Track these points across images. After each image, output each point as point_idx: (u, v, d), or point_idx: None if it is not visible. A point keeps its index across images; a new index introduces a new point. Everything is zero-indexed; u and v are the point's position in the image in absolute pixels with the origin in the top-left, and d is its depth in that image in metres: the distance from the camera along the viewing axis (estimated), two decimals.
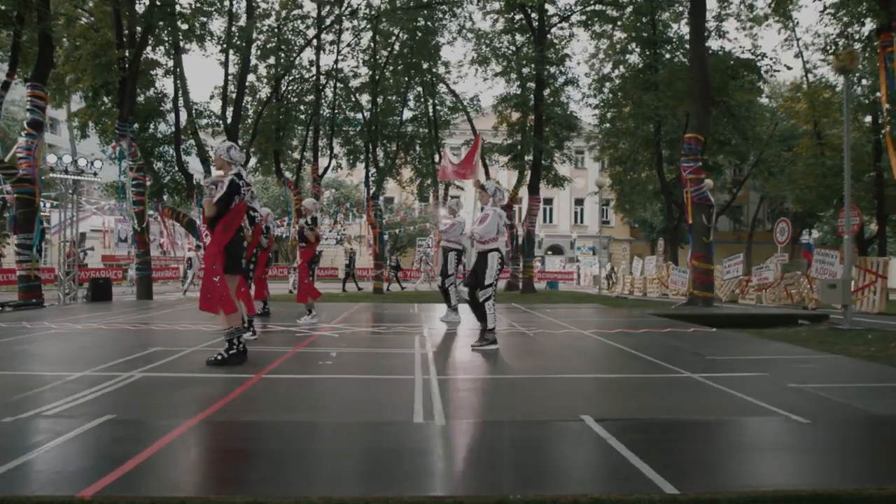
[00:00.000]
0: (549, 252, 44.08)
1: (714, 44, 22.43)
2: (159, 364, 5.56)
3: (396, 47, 22.18)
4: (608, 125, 26.49)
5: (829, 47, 17.48)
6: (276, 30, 20.56)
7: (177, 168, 18.80)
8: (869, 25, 12.84)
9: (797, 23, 17.48)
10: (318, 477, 2.83)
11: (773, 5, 17.87)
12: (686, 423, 3.77)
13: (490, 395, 4.55)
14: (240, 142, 19.77)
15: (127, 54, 15.80)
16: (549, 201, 43.88)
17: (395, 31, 21.75)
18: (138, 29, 16.21)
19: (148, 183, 18.11)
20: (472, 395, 4.54)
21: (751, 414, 3.99)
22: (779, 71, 21.37)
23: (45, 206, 17.22)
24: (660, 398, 4.48)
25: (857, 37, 14.55)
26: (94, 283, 13.72)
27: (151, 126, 18.91)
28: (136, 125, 17.16)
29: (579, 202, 44.64)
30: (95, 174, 13.80)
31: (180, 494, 2.51)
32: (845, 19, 15.99)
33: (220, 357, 5.50)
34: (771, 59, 19.69)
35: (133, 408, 4.00)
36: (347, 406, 4.16)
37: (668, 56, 23.74)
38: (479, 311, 6.57)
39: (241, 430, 3.59)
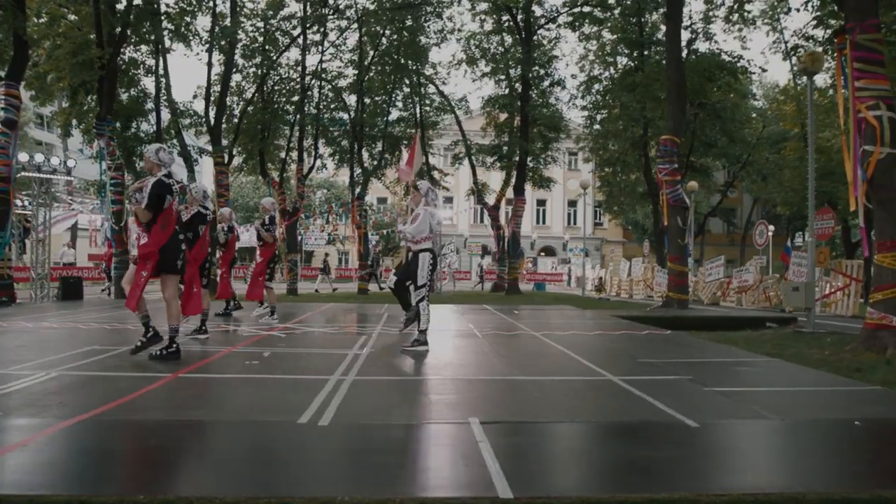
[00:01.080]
0: (542, 253, 44.03)
1: (702, 46, 22.43)
2: (81, 363, 5.56)
3: (383, 47, 22.18)
4: (598, 127, 26.45)
5: (795, 49, 17.42)
6: (261, 29, 20.59)
7: None
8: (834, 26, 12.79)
9: (785, 26, 17.45)
10: (169, 474, 2.81)
11: (735, 7, 17.80)
12: (561, 426, 3.73)
13: (393, 396, 4.53)
14: (224, 141, 19.79)
15: (106, 53, 15.82)
16: (542, 202, 43.87)
17: (382, 31, 21.75)
18: (118, 28, 16.24)
19: (131, 182, 18.15)
20: (376, 396, 4.51)
21: (639, 417, 3.96)
22: (754, 73, 21.28)
23: (25, 205, 17.21)
24: (566, 401, 4.45)
25: (820, 37, 14.46)
26: (64, 281, 13.75)
27: (134, 125, 18.94)
28: (117, 124, 17.21)
29: (572, 204, 44.55)
30: (69, 172, 13.82)
31: (27, 493, 2.49)
32: (811, 20, 15.92)
33: (158, 353, 5.64)
34: (748, 60, 19.63)
35: (23, 406, 3.99)
36: (244, 406, 4.15)
37: (656, 58, 23.67)
38: (404, 301, 6.58)
39: (117, 428, 3.58)
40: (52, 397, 4.27)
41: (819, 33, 15.47)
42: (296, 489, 2.60)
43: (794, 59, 23.36)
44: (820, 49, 13.39)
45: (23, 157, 13.17)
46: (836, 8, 9.99)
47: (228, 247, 9.58)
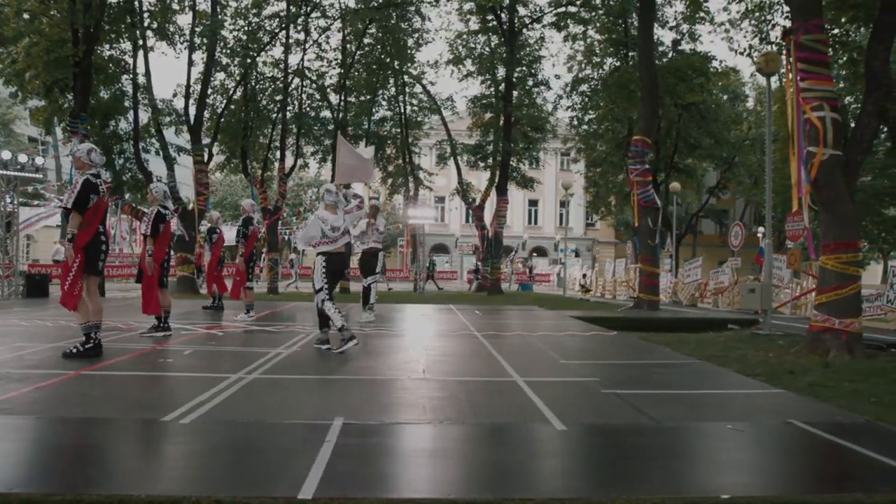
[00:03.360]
0: (535, 254, 43.95)
1: (687, 47, 22.34)
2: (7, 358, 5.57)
3: (367, 46, 22.18)
4: (585, 127, 26.39)
5: (742, 50, 17.35)
6: (243, 28, 20.60)
7: (136, 166, 18.86)
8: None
9: (773, 24, 17.34)
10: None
11: (689, 5, 17.69)
12: (430, 428, 3.70)
13: (279, 395, 4.50)
14: (205, 140, 19.81)
15: (79, 50, 15.86)
16: (534, 203, 43.79)
17: (364, 30, 21.73)
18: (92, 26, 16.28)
19: (108, 180, 18.18)
20: (263, 396, 4.48)
21: (514, 418, 3.93)
22: (726, 74, 21.14)
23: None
24: (450, 401, 4.41)
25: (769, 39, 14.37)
26: (29, 278, 13.80)
27: (113, 123, 18.99)
28: (95, 121, 17.26)
29: (564, 204, 44.44)
30: (38, 170, 13.87)
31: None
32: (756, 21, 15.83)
33: (76, 350, 5.65)
34: (720, 61, 19.54)
35: None
36: (122, 403, 4.14)
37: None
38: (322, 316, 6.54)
39: None
40: None
41: (775, 33, 15.40)
42: (98, 487, 2.58)
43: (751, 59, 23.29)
44: (767, 50, 13.26)
45: None
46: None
47: (216, 247, 10.21)
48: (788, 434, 3.77)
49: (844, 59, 10.12)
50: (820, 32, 7.92)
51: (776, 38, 18.20)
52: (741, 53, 17.59)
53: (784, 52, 8.49)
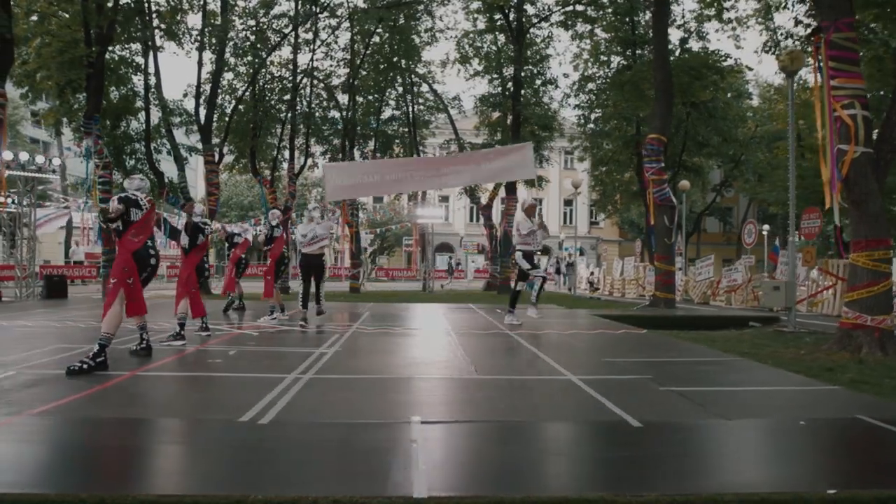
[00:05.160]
0: (538, 253, 43.97)
1: (695, 45, 22.38)
2: (41, 361, 5.56)
3: (375, 46, 22.17)
4: (592, 126, 26.42)
5: (774, 47, 17.38)
6: (252, 28, 20.57)
7: (148, 166, 18.82)
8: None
9: (778, 25, 17.45)
10: (88, 472, 2.81)
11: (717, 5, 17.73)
12: (506, 425, 3.72)
13: (347, 393, 4.52)
14: (214, 140, 19.79)
15: (93, 51, 15.82)
16: (537, 201, 43.78)
17: (373, 30, 21.73)
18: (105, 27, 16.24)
19: (120, 180, 18.15)
20: (328, 394, 4.50)
21: (588, 417, 3.95)
22: (740, 72, 21.20)
23: (11, 203, 17.23)
24: (515, 400, 4.44)
25: (800, 37, 14.41)
26: (48, 280, 13.77)
27: (124, 123, 18.95)
28: (107, 122, 17.21)
29: (568, 203, 44.50)
30: (55, 171, 13.83)
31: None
32: (796, 17, 15.89)
33: (83, 365, 5.01)
34: (735, 59, 19.58)
35: None
36: (192, 404, 4.15)
37: (649, 57, 23.61)
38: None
39: (61, 426, 3.57)
40: (4, 395, 4.27)
41: (800, 31, 15.45)
42: (210, 487, 2.59)
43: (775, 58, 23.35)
44: (800, 47, 13.35)
45: (7, 155, 13.16)
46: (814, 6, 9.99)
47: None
48: (861, 429, 3.79)
49: (869, 56, 10.15)
50: (851, 31, 7.95)
51: (782, 36, 18.38)
52: (766, 52, 17.43)
53: (812, 50, 8.53)
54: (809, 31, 9.37)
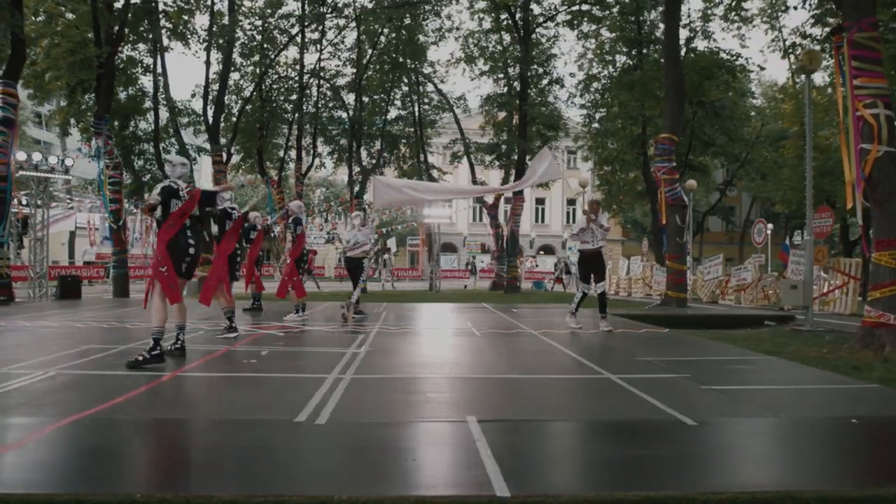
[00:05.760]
0: (541, 252, 44.05)
1: (700, 44, 22.42)
2: (80, 361, 5.56)
3: (382, 46, 22.18)
4: (596, 125, 26.44)
5: (793, 47, 17.44)
6: (259, 28, 20.56)
7: (157, 166, 18.81)
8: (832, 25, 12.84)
9: (784, 25, 17.51)
10: (166, 473, 2.82)
11: (733, 5, 17.78)
12: (565, 424, 3.74)
13: (392, 393, 4.53)
14: (222, 140, 19.78)
15: (103, 52, 15.80)
16: (541, 201, 43.87)
17: (380, 30, 21.75)
18: (115, 27, 16.22)
19: (129, 181, 18.15)
20: (375, 394, 4.51)
21: (640, 416, 3.96)
22: (752, 71, 21.26)
23: (23, 203, 17.21)
24: (559, 399, 4.46)
25: (819, 36, 14.45)
26: (62, 280, 13.74)
27: (132, 124, 18.93)
28: (115, 122, 17.19)
29: (571, 202, 44.59)
30: (67, 171, 13.81)
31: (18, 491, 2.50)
32: (811, 19, 15.91)
33: (141, 358, 5.28)
34: (746, 59, 19.61)
35: (21, 406, 3.99)
36: (240, 404, 4.15)
37: (655, 55, 23.65)
38: None
39: (113, 427, 3.57)
40: (48, 396, 4.28)
41: (817, 31, 15.48)
42: (295, 487, 2.60)
43: (791, 58, 23.41)
44: (818, 47, 13.39)
45: (20, 155, 13.14)
46: (833, 6, 10.00)
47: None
48: None
49: (887, 56, 10.17)
50: (874, 30, 7.97)
51: (789, 34, 18.47)
52: (787, 51, 17.46)
53: (833, 49, 8.56)
54: (829, 30, 9.37)
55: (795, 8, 14.79)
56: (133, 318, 9.51)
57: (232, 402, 4.22)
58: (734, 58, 19.47)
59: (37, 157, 13.03)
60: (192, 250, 5.55)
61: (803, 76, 10.45)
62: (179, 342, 5.72)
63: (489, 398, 4.47)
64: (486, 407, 4.10)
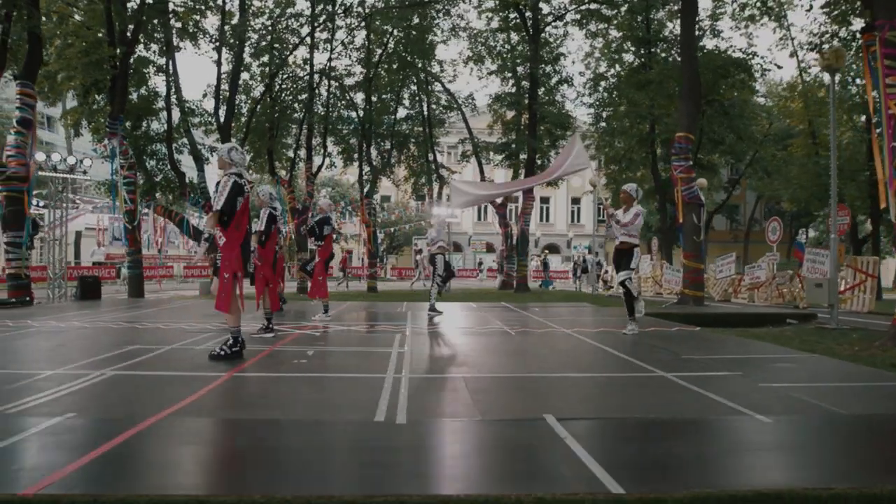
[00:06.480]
0: (546, 251, 44.08)
1: (708, 43, 22.47)
2: (132, 362, 5.56)
3: (391, 46, 22.17)
4: (603, 124, 26.47)
5: (817, 46, 17.48)
6: (269, 28, 20.52)
7: (169, 166, 18.78)
8: (857, 24, 12.87)
9: (792, 23, 17.56)
10: (275, 474, 2.82)
11: (760, 5, 17.83)
12: (648, 423, 3.76)
13: (459, 393, 4.54)
14: (233, 140, 19.74)
15: (118, 52, 15.78)
16: (545, 200, 43.89)
17: (389, 29, 21.74)
18: (130, 26, 16.19)
19: (141, 181, 18.10)
20: (440, 393, 4.53)
21: (715, 413, 3.98)
22: (769, 70, 21.32)
23: (37, 203, 17.18)
24: (625, 397, 4.47)
25: (843, 35, 14.47)
26: (82, 281, 13.71)
27: (144, 124, 18.89)
28: (127, 123, 17.15)
29: (576, 201, 44.65)
30: (85, 172, 13.78)
31: (119, 493, 2.51)
32: (827, 19, 15.97)
33: (222, 352, 5.66)
34: (762, 57, 19.66)
35: (96, 406, 4.00)
36: (313, 404, 4.15)
37: (662, 55, 23.71)
38: None
39: (198, 428, 3.58)
40: (115, 396, 4.28)
41: (829, 29, 15.53)
42: (408, 487, 2.61)
43: (800, 56, 23.47)
44: (835, 46, 13.42)
45: (39, 156, 13.12)
46: (861, 5, 10.02)
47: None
48: None
49: None
50: None
51: (797, 33, 18.48)
52: (811, 50, 17.48)
53: (863, 48, 8.58)
54: (860, 29, 9.39)
55: (810, 8, 14.77)
56: (165, 319, 9.50)
57: (305, 402, 4.22)
58: (749, 56, 19.51)
59: (56, 157, 12.99)
60: (251, 248, 5.64)
61: (825, 74, 10.47)
62: (240, 343, 5.73)
63: (555, 396, 4.47)
64: (557, 405, 4.11)
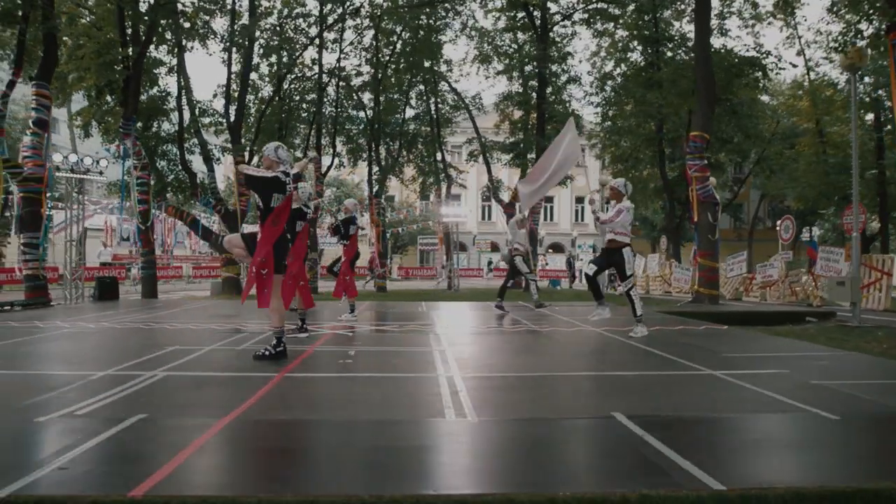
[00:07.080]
0: (550, 250, 44.16)
1: (716, 42, 22.50)
2: (179, 363, 5.56)
3: (399, 46, 22.18)
4: (609, 123, 26.50)
5: (833, 45, 17.55)
6: (278, 28, 20.50)
7: (180, 167, 18.76)
8: (877, 24, 12.91)
9: (799, 21, 17.61)
10: (352, 474, 2.84)
11: (778, 4, 17.87)
12: (716, 419, 3.78)
13: (517, 392, 4.56)
14: (243, 140, 19.72)
15: (130, 52, 15.78)
16: (549, 199, 43.92)
17: (398, 29, 21.74)
18: (142, 27, 16.18)
19: (152, 182, 18.08)
20: (499, 392, 4.55)
21: (779, 410, 4.01)
22: (784, 69, 21.38)
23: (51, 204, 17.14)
24: (685, 395, 4.49)
25: (863, 34, 14.52)
26: (100, 281, 13.69)
27: (155, 125, 18.87)
28: (138, 123, 17.13)
29: (580, 200, 44.69)
30: (101, 173, 13.77)
31: (226, 493, 2.52)
32: (848, 17, 16.03)
33: (266, 352, 5.63)
34: (776, 56, 19.70)
35: (162, 407, 4.00)
36: (375, 403, 4.16)
37: (669, 54, 23.73)
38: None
39: (272, 428, 3.59)
40: (180, 397, 4.29)
41: (833, 28, 15.56)
42: (513, 485, 2.63)
43: (807, 54, 23.51)
44: (858, 45, 13.46)
45: (56, 157, 13.11)
46: (876, 5, 10.09)
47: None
48: None
49: None
50: None
51: (802, 32, 18.54)
52: (835, 49, 17.46)
53: (891, 47, 8.65)
54: (886, 27, 9.45)
55: (831, 7, 14.80)
56: (191, 320, 9.50)
57: (365, 401, 4.23)
58: (763, 55, 19.56)
59: (73, 158, 12.98)
60: (290, 245, 5.63)
61: (837, 73, 10.55)
62: (282, 345, 5.71)
63: (615, 394, 4.49)
64: (620, 403, 4.12)
